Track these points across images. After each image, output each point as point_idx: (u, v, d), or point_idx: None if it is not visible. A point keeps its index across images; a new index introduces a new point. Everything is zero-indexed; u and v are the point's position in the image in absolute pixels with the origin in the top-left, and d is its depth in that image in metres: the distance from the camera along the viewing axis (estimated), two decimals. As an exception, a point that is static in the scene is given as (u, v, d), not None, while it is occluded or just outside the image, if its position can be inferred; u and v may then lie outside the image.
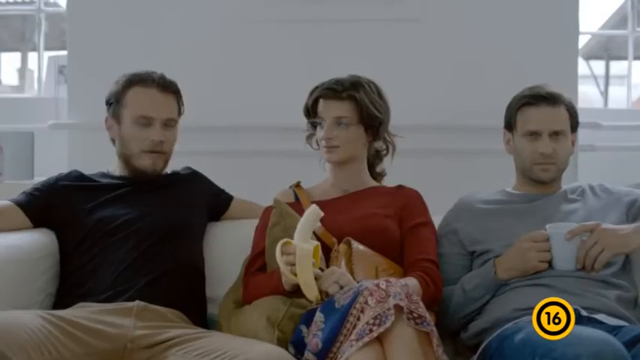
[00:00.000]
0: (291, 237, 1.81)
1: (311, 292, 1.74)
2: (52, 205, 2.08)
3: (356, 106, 2.08)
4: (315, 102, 2.12)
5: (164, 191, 2.15)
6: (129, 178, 2.15)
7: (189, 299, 2.02)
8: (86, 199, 2.09)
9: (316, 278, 1.76)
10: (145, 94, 2.11)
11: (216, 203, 2.26)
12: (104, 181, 2.15)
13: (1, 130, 1.69)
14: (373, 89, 2.12)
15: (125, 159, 2.14)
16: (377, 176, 2.23)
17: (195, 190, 2.22)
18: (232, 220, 2.28)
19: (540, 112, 2.07)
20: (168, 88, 2.14)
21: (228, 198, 2.29)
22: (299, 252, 1.74)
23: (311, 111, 2.13)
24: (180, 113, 2.19)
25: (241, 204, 2.30)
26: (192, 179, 2.25)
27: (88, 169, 2.20)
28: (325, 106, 2.10)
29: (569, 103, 2.10)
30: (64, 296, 2.00)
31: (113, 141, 2.17)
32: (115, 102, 2.13)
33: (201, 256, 2.16)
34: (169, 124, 2.13)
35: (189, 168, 2.28)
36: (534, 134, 2.08)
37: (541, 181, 2.10)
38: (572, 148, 2.14)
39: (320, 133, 2.11)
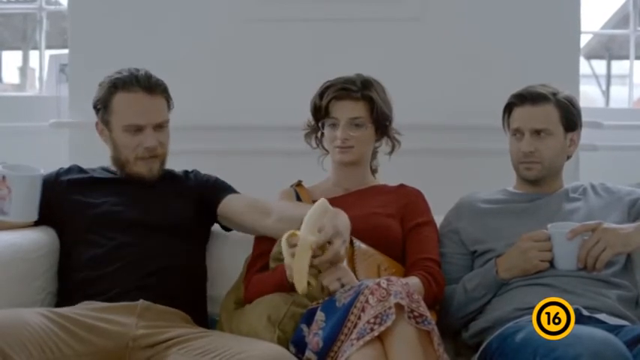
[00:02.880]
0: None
1: (300, 282, 1.72)
2: (53, 201, 2.03)
3: (369, 106, 2.08)
4: (328, 102, 2.09)
5: (164, 188, 2.11)
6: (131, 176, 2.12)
7: (191, 299, 2.02)
8: (87, 195, 2.06)
9: (314, 271, 1.75)
10: (132, 100, 2.02)
11: (207, 191, 2.13)
12: (105, 176, 2.13)
13: (10, 174, 1.71)
14: (381, 88, 2.12)
15: (119, 164, 2.09)
16: (372, 172, 2.23)
17: (189, 185, 2.15)
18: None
19: (522, 111, 2.08)
20: (155, 89, 2.04)
21: (224, 187, 2.13)
22: (301, 241, 1.73)
23: (323, 111, 2.10)
24: (169, 109, 2.11)
25: (244, 199, 2.10)
26: (188, 176, 2.18)
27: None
28: (339, 106, 2.08)
29: (564, 102, 2.08)
30: (66, 295, 1.99)
31: None
32: (102, 108, 2.06)
33: (202, 255, 2.14)
34: (162, 125, 2.06)
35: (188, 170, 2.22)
36: (518, 133, 2.09)
37: (527, 179, 2.11)
38: (571, 147, 2.13)
39: (332, 133, 2.09)
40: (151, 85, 2.04)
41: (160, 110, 2.06)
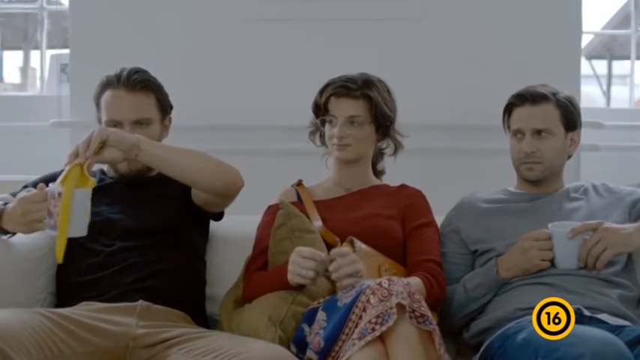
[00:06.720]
0: (297, 238, 1.84)
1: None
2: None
3: (369, 105, 2.06)
4: (327, 99, 2.09)
5: (159, 191, 2.10)
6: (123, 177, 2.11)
7: (190, 300, 2.01)
8: None
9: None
10: (113, 97, 2.05)
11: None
12: (103, 182, 2.12)
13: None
14: (384, 87, 2.11)
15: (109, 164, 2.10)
16: (377, 174, 2.23)
17: (177, 183, 2.09)
18: (234, 219, 2.26)
19: (523, 111, 2.08)
20: (135, 86, 2.05)
21: None
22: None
23: (322, 108, 2.11)
24: (163, 108, 2.11)
25: None
26: None
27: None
28: (338, 104, 2.08)
29: (563, 102, 2.08)
30: (64, 296, 1.99)
31: None
32: (96, 106, 2.11)
33: (201, 256, 2.14)
34: (143, 122, 2.06)
35: None
36: (518, 133, 2.09)
37: (528, 180, 2.10)
38: (572, 147, 2.13)
39: (331, 130, 2.09)
40: (129, 83, 2.06)
41: (139, 107, 2.06)
